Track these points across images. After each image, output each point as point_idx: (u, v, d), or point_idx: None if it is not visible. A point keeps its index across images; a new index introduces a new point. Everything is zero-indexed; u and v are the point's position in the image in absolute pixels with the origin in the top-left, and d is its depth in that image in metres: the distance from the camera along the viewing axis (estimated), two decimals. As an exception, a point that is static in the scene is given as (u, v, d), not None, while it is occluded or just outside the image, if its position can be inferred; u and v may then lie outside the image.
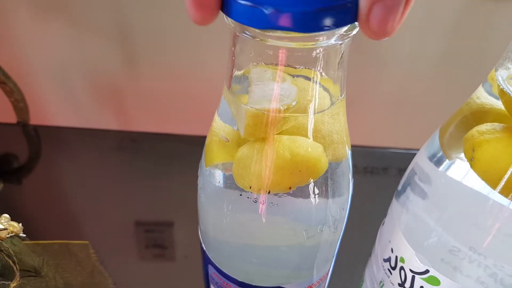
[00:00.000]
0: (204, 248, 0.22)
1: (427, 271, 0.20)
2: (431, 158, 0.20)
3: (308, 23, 0.13)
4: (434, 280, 0.20)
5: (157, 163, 0.44)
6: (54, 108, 0.53)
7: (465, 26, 0.44)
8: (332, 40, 0.15)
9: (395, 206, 0.23)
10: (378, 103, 0.51)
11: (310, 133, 0.17)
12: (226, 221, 0.19)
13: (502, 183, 0.17)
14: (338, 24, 0.13)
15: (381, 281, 0.24)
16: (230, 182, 0.18)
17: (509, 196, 0.17)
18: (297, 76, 0.17)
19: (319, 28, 0.13)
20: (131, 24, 0.46)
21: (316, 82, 0.17)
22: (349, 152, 0.20)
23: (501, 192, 0.17)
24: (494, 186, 0.17)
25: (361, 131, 0.54)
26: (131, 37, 0.47)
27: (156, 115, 0.52)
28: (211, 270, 0.22)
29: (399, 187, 0.23)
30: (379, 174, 0.44)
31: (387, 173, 0.45)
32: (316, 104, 0.17)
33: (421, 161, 0.21)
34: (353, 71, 0.48)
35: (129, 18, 0.46)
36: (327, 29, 0.13)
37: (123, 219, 0.39)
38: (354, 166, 0.47)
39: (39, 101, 0.51)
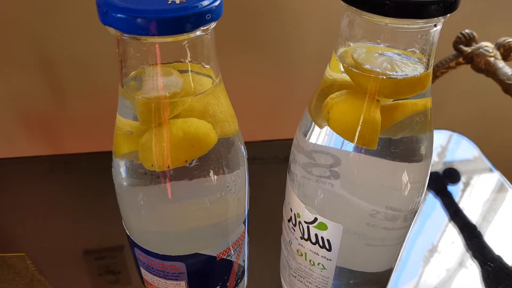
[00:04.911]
0: (128, 233, 0.25)
1: (315, 220, 0.24)
2: (303, 131, 0.25)
3: (173, 28, 0.17)
4: (322, 226, 0.24)
5: (92, 182, 0.46)
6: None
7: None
8: (197, 32, 0.19)
9: (288, 176, 0.27)
10: (294, 100, 0.56)
11: (199, 115, 0.21)
12: (138, 203, 0.22)
13: (352, 133, 0.21)
14: (196, 27, 0.17)
15: (289, 241, 0.28)
16: (136, 168, 0.22)
17: (357, 141, 0.21)
18: (183, 71, 0.21)
19: (182, 31, 0.17)
20: (53, 51, 0.48)
21: (193, 71, 0.20)
22: (238, 130, 0.24)
23: (352, 141, 0.22)
24: (346, 137, 0.22)
25: (283, 126, 0.59)
26: (54, 63, 0.49)
27: (86, 136, 0.54)
28: (137, 252, 0.25)
29: (289, 161, 0.27)
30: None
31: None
32: (198, 88, 0.21)
33: (296, 137, 0.26)
34: (272, 75, 0.53)
35: (50, 46, 0.48)
36: (188, 31, 0.17)
37: (70, 249, 0.38)
38: (275, 157, 0.51)
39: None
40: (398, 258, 0.28)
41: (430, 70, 0.21)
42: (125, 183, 0.23)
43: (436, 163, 0.51)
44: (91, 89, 0.51)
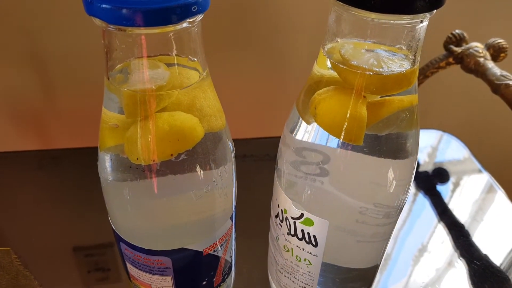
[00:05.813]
0: (113, 228, 0.25)
1: (302, 215, 0.24)
2: (290, 127, 0.25)
3: (158, 19, 0.17)
4: (308, 222, 0.24)
5: (81, 177, 0.45)
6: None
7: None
8: (183, 24, 0.19)
9: (276, 172, 0.27)
10: (286, 98, 0.56)
11: (185, 108, 0.21)
12: (124, 197, 0.22)
13: (338, 129, 0.21)
14: (182, 19, 0.17)
15: (276, 236, 0.28)
16: (122, 162, 0.21)
17: (343, 138, 0.21)
18: (170, 64, 0.20)
19: (167, 22, 0.17)
20: (43, 47, 0.48)
21: (179, 64, 0.20)
22: (225, 125, 0.23)
23: (338, 137, 0.22)
24: (332, 133, 0.22)
25: (274, 123, 0.59)
26: (44, 59, 0.48)
27: (75, 131, 0.53)
28: (122, 247, 0.25)
29: (277, 157, 0.27)
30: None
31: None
32: (185, 82, 0.21)
33: (284, 133, 0.26)
34: (265, 72, 0.53)
35: (40, 42, 0.47)
36: (174, 23, 0.17)
37: (58, 245, 0.38)
38: (266, 154, 0.51)
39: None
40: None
41: (417, 67, 0.21)
42: (110, 177, 0.22)
43: (426, 163, 0.51)
44: (81, 84, 0.51)
